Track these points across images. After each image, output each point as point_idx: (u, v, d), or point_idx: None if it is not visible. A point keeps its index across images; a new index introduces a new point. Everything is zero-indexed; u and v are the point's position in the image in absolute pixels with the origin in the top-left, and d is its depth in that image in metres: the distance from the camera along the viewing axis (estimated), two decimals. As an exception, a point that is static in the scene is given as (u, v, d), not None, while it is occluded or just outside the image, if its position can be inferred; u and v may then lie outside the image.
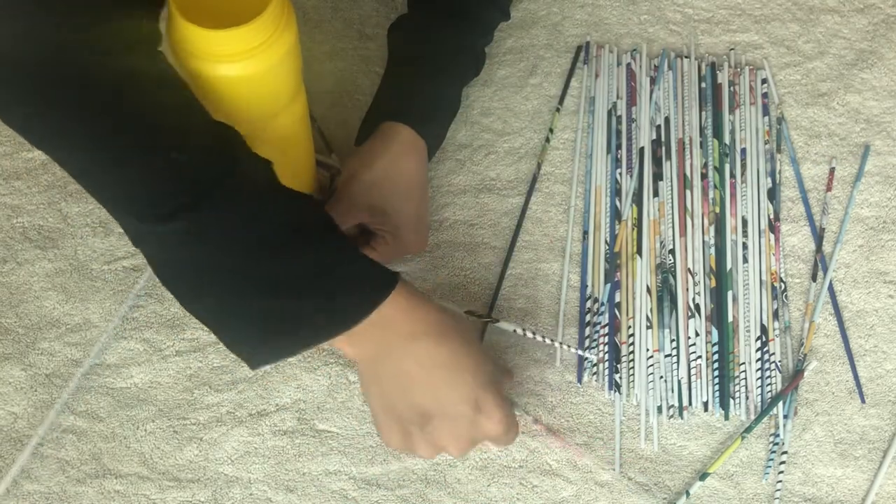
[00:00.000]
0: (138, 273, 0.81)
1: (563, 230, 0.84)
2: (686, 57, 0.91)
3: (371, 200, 0.74)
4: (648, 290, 0.81)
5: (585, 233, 0.83)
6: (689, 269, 0.82)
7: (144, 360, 0.78)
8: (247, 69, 0.62)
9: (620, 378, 0.78)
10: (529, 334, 0.78)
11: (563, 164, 0.86)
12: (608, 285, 0.81)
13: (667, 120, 0.88)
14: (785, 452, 0.76)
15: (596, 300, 0.81)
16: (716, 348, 0.79)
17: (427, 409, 0.63)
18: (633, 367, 0.79)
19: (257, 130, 0.68)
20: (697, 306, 0.80)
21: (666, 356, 0.79)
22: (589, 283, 0.81)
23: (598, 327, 0.80)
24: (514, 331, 0.78)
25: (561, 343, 0.78)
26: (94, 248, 0.82)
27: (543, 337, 0.78)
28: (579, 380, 0.78)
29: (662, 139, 0.87)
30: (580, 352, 0.78)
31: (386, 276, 0.62)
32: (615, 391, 0.78)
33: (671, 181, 0.85)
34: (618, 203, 0.84)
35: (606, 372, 0.78)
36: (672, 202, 0.84)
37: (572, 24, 0.94)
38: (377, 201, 0.75)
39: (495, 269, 0.82)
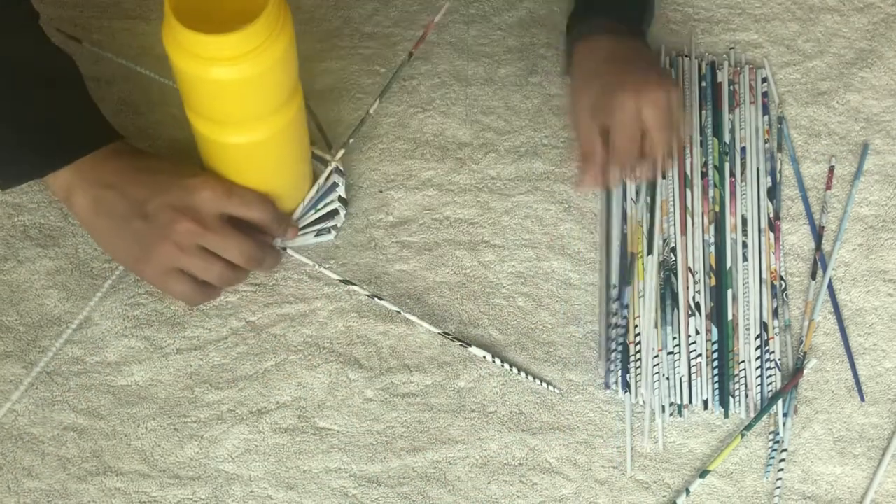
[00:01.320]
0: (139, 271, 0.81)
1: (564, 228, 0.84)
2: (686, 56, 0.91)
3: (602, 92, 0.77)
4: (661, 292, 0.81)
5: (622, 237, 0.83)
6: (689, 268, 0.82)
7: (145, 357, 0.78)
8: (242, 72, 0.62)
9: (630, 378, 0.78)
10: (498, 362, 0.78)
11: (564, 162, 0.87)
12: (628, 287, 0.81)
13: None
14: (785, 450, 0.76)
15: (617, 300, 0.81)
16: (715, 346, 0.79)
17: (144, 200, 0.70)
18: (639, 367, 0.79)
19: (252, 129, 0.68)
20: (697, 304, 0.81)
21: (668, 354, 0.79)
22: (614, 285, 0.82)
23: (619, 328, 0.80)
24: (484, 357, 0.78)
25: (528, 374, 0.78)
26: (95, 247, 0.82)
27: (511, 366, 0.78)
28: (607, 385, 0.78)
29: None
30: (546, 385, 0.78)
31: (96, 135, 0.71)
32: (626, 392, 0.78)
33: (672, 180, 0.85)
34: (625, 205, 0.84)
35: (619, 372, 0.78)
36: (674, 201, 0.84)
37: (572, 23, 0.94)
38: (609, 87, 0.77)
39: (496, 268, 0.82)
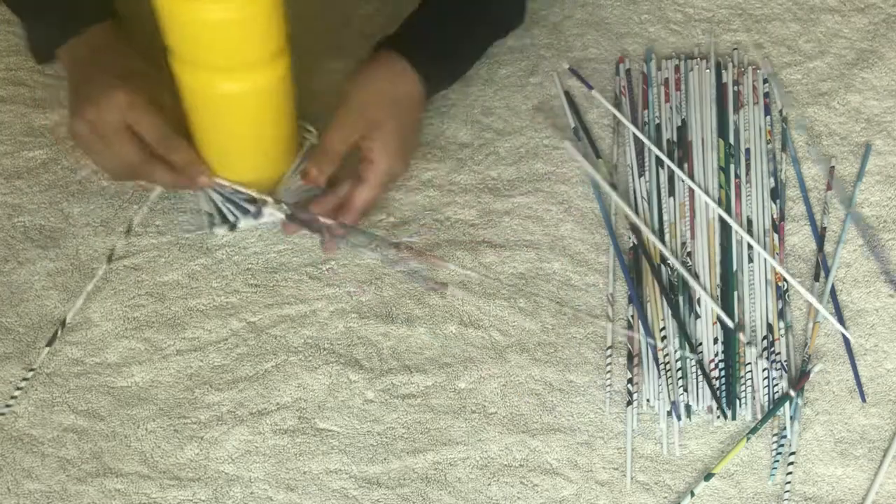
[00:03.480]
0: (139, 272, 0.81)
1: (564, 229, 0.84)
2: (694, 58, 0.91)
3: (367, 116, 0.77)
4: (665, 293, 0.81)
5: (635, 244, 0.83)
6: (695, 271, 0.82)
7: (145, 359, 0.78)
8: (232, 11, 0.63)
9: (633, 384, 0.78)
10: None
11: (564, 163, 0.86)
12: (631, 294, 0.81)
13: (683, 122, 0.88)
14: (793, 453, 0.76)
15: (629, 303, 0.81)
16: (721, 348, 0.79)
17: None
18: (648, 371, 0.79)
19: (238, 77, 0.68)
20: (704, 307, 0.81)
21: (677, 360, 0.79)
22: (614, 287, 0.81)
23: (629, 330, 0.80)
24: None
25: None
26: (95, 248, 0.82)
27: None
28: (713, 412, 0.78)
29: (675, 140, 0.87)
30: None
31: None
32: (630, 399, 0.78)
33: (686, 182, 0.85)
34: (637, 208, 0.84)
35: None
36: (687, 204, 0.84)
37: (573, 24, 0.94)
38: (371, 116, 0.76)
39: (496, 269, 0.82)
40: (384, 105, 0.77)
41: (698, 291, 0.81)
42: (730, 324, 0.79)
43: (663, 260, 0.82)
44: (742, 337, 0.79)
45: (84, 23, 0.78)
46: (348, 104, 0.77)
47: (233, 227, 0.79)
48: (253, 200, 0.78)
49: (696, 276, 0.81)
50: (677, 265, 0.82)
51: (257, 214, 0.78)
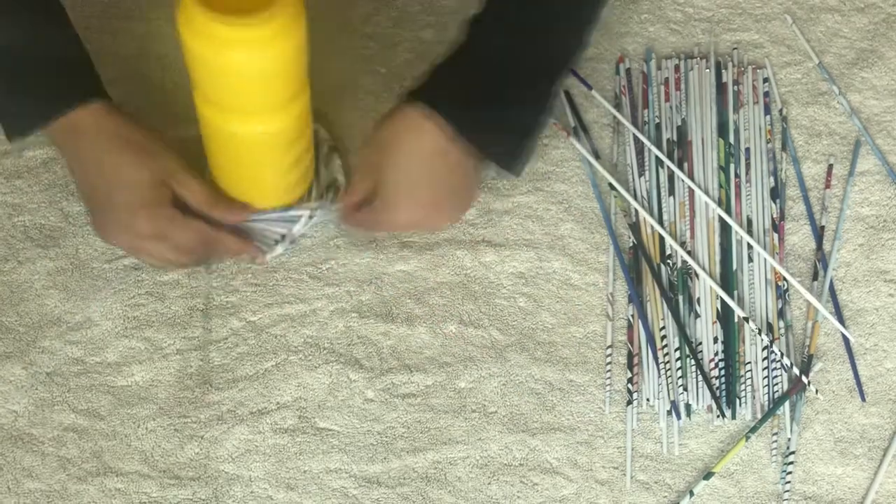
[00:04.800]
0: (139, 271, 0.81)
1: (564, 229, 0.84)
2: (693, 57, 0.91)
3: (371, 170, 0.74)
4: (664, 292, 0.81)
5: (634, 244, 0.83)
6: (694, 271, 0.82)
7: (145, 358, 0.78)
8: (257, 57, 0.63)
9: (633, 384, 0.78)
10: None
11: (565, 163, 0.86)
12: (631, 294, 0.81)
13: (683, 121, 0.88)
14: (793, 453, 0.76)
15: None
16: (721, 348, 0.79)
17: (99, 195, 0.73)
18: (648, 370, 0.79)
19: (260, 119, 0.68)
20: (704, 306, 0.81)
21: (677, 359, 0.79)
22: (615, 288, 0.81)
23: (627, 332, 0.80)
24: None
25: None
26: (95, 247, 0.82)
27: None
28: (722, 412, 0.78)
29: (674, 140, 0.87)
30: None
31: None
32: (630, 398, 0.78)
33: (686, 182, 0.85)
34: (636, 206, 0.84)
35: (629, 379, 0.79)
36: (687, 203, 0.84)
37: (573, 24, 0.93)
38: (377, 172, 0.74)
39: (496, 269, 0.82)
40: (393, 158, 0.73)
41: (701, 274, 0.81)
42: (740, 312, 0.79)
43: (663, 259, 0.82)
44: (752, 325, 0.79)
45: (84, 97, 0.72)
46: (363, 152, 0.77)
47: (293, 240, 0.80)
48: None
49: (695, 276, 0.81)
50: (676, 246, 0.82)
51: (307, 221, 0.80)
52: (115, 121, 0.72)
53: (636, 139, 0.87)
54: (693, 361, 0.78)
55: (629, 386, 0.78)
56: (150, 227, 0.72)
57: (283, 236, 0.79)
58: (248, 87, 0.66)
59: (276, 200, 0.78)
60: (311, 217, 0.79)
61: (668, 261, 0.82)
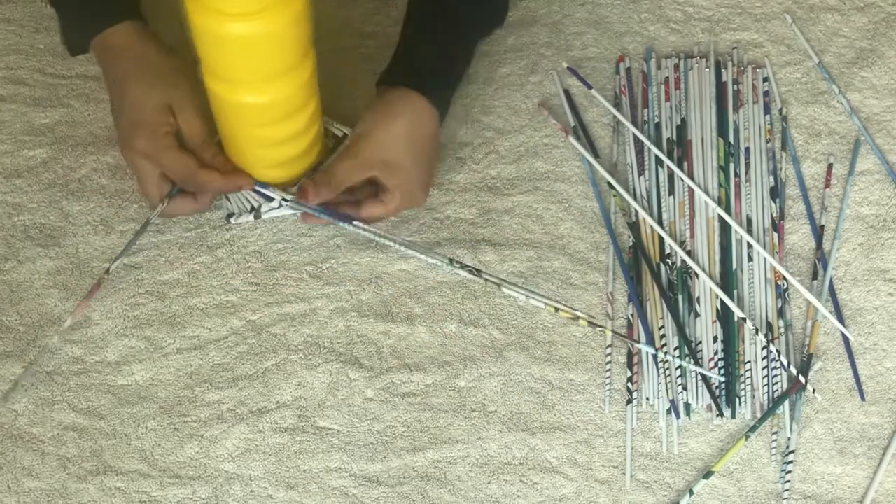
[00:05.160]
0: (139, 271, 0.81)
1: (564, 228, 0.84)
2: (693, 57, 0.91)
3: (385, 156, 0.77)
4: (664, 292, 0.81)
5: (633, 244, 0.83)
6: (693, 271, 0.82)
7: (145, 357, 0.78)
8: (260, 28, 0.63)
9: (633, 383, 0.78)
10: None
11: (565, 162, 0.87)
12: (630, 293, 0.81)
13: (683, 121, 0.88)
14: (792, 452, 0.76)
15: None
16: (721, 347, 0.79)
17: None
18: (648, 370, 0.79)
19: (266, 89, 0.69)
20: (703, 306, 0.81)
21: (676, 358, 0.79)
22: (613, 286, 0.81)
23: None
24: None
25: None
26: (95, 246, 0.82)
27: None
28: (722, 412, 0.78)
29: (674, 139, 0.87)
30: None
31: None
32: (630, 397, 0.78)
33: (685, 181, 0.85)
34: (636, 206, 0.84)
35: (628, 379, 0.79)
36: (686, 203, 0.84)
37: (573, 23, 0.94)
38: (391, 157, 0.77)
39: (496, 268, 0.82)
40: (404, 146, 0.77)
41: (700, 273, 0.81)
42: (739, 312, 0.79)
43: (663, 259, 0.82)
44: (750, 324, 0.79)
45: (117, 17, 0.78)
46: (364, 141, 0.78)
47: (258, 214, 0.81)
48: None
49: (695, 275, 0.82)
50: (675, 246, 0.82)
51: (278, 204, 0.80)
52: (140, 41, 0.78)
53: (636, 138, 0.87)
54: (695, 361, 0.78)
55: (629, 385, 0.78)
56: (145, 146, 0.75)
57: (254, 208, 0.81)
58: (254, 57, 0.66)
59: (277, 173, 0.78)
60: (281, 203, 0.79)
61: (668, 260, 0.82)
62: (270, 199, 0.79)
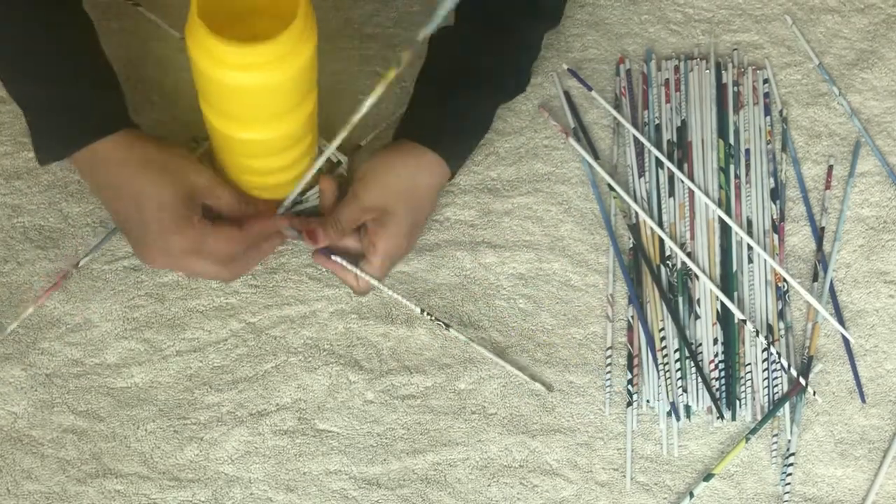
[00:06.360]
0: (139, 273, 0.81)
1: (564, 230, 0.84)
2: (693, 58, 0.91)
3: (384, 204, 0.75)
4: (664, 294, 0.81)
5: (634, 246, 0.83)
6: (694, 272, 0.82)
7: (145, 359, 0.78)
8: (266, 79, 0.62)
9: (633, 385, 0.78)
10: (475, 345, 0.78)
11: (565, 163, 0.86)
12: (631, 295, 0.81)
13: (683, 122, 0.88)
14: (793, 454, 0.76)
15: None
16: (721, 349, 0.79)
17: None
18: (648, 372, 0.79)
19: (267, 127, 0.68)
20: (703, 308, 0.81)
21: (676, 360, 0.79)
22: (613, 289, 0.81)
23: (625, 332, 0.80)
24: (467, 341, 0.78)
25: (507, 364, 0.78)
26: (94, 248, 0.82)
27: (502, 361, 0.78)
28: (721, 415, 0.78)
29: (674, 141, 0.87)
30: (529, 380, 0.78)
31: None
32: (630, 400, 0.78)
33: (686, 183, 0.85)
34: (636, 208, 0.84)
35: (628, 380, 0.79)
36: (687, 205, 0.84)
37: (573, 24, 0.93)
38: (390, 206, 0.75)
39: (496, 270, 0.82)
40: (403, 195, 0.75)
41: (700, 276, 0.81)
42: (739, 314, 0.79)
43: (663, 260, 0.82)
44: (751, 326, 0.79)
45: (108, 125, 0.71)
46: (369, 186, 0.76)
47: None
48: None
49: (695, 277, 0.81)
50: (675, 248, 0.82)
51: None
52: (139, 144, 0.71)
53: (636, 140, 0.87)
54: (695, 363, 0.78)
55: (629, 387, 0.78)
56: (184, 244, 0.70)
57: None
58: (255, 102, 0.65)
59: (263, 195, 0.78)
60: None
61: (668, 262, 0.82)
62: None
